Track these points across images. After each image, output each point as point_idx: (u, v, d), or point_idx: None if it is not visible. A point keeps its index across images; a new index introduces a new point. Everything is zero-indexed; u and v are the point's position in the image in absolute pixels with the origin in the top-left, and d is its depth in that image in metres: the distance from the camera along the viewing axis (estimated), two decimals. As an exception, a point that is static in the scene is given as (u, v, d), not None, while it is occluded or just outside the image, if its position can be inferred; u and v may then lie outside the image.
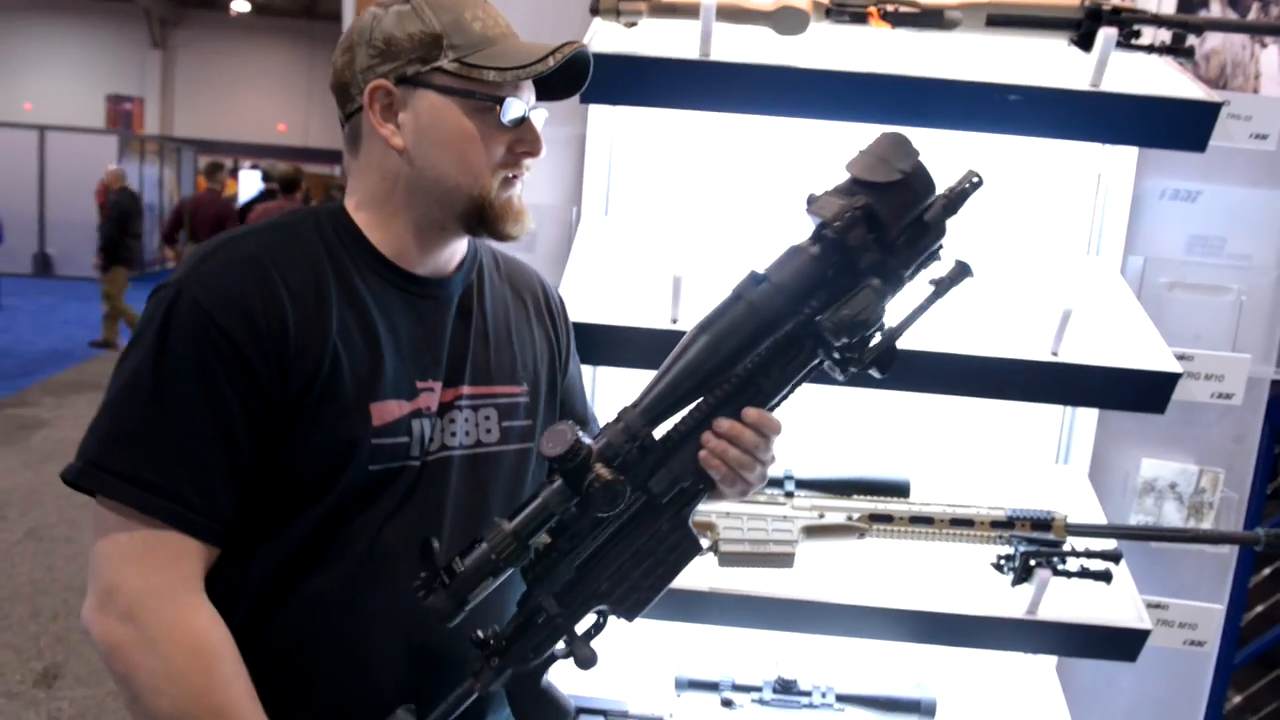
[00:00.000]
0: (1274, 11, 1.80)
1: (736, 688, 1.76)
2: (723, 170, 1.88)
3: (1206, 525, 1.88)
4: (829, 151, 1.81)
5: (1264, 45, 1.79)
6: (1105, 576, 1.59)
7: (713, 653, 1.82)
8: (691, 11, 1.54)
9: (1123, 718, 1.94)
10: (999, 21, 1.57)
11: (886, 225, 1.02)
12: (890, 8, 1.56)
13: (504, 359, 1.22)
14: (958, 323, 1.58)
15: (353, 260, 1.12)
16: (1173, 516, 1.89)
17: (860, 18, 1.57)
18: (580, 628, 1.08)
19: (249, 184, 14.41)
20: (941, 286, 1.06)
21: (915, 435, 1.91)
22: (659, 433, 1.08)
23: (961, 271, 1.06)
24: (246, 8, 18.51)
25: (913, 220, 1.04)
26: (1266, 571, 2.82)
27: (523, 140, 1.12)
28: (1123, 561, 1.62)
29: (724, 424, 1.05)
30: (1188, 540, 1.70)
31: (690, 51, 1.55)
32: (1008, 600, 1.60)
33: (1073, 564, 1.59)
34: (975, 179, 1.06)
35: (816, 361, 1.07)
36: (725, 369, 1.05)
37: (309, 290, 1.06)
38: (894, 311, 1.07)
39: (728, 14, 1.55)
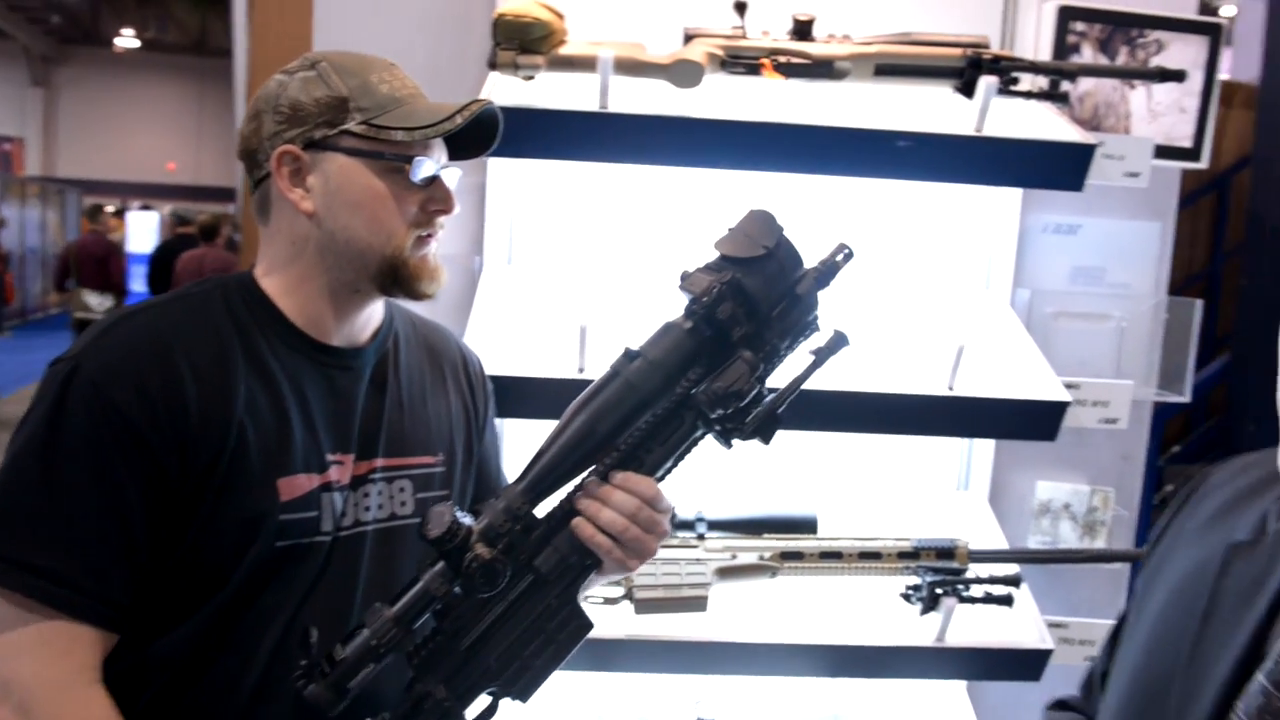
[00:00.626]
0: (1140, 55, 1.91)
1: (658, 732, 1.76)
2: (626, 218, 1.89)
3: (1100, 542, 1.96)
4: (731, 200, 1.85)
5: (1133, 87, 1.90)
6: (1007, 600, 1.64)
7: (633, 699, 1.82)
8: (589, 65, 1.56)
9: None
10: (886, 71, 1.63)
11: (756, 298, 1.05)
12: (783, 59, 1.61)
13: (419, 429, 1.20)
14: (860, 361, 1.62)
15: (262, 332, 1.10)
16: (1068, 535, 1.97)
17: (754, 69, 1.61)
18: (473, 710, 1.05)
19: (139, 226, 13.89)
20: (820, 356, 1.09)
21: (820, 471, 1.94)
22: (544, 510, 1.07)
23: (839, 341, 1.09)
24: (134, 44, 17.97)
25: (784, 293, 1.06)
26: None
27: (434, 199, 1.12)
28: (1024, 584, 1.68)
29: (593, 485, 1.05)
30: (1080, 560, 1.77)
31: (589, 104, 1.56)
32: (917, 629, 1.65)
33: (976, 590, 1.64)
34: (846, 251, 1.09)
35: (698, 434, 1.07)
36: (605, 445, 1.05)
37: (213, 366, 1.04)
38: (778, 382, 1.08)
39: (625, 67, 1.57)
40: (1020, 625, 1.68)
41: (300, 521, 1.06)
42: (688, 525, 1.70)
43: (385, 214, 1.09)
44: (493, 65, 1.57)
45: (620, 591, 1.62)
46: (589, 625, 1.07)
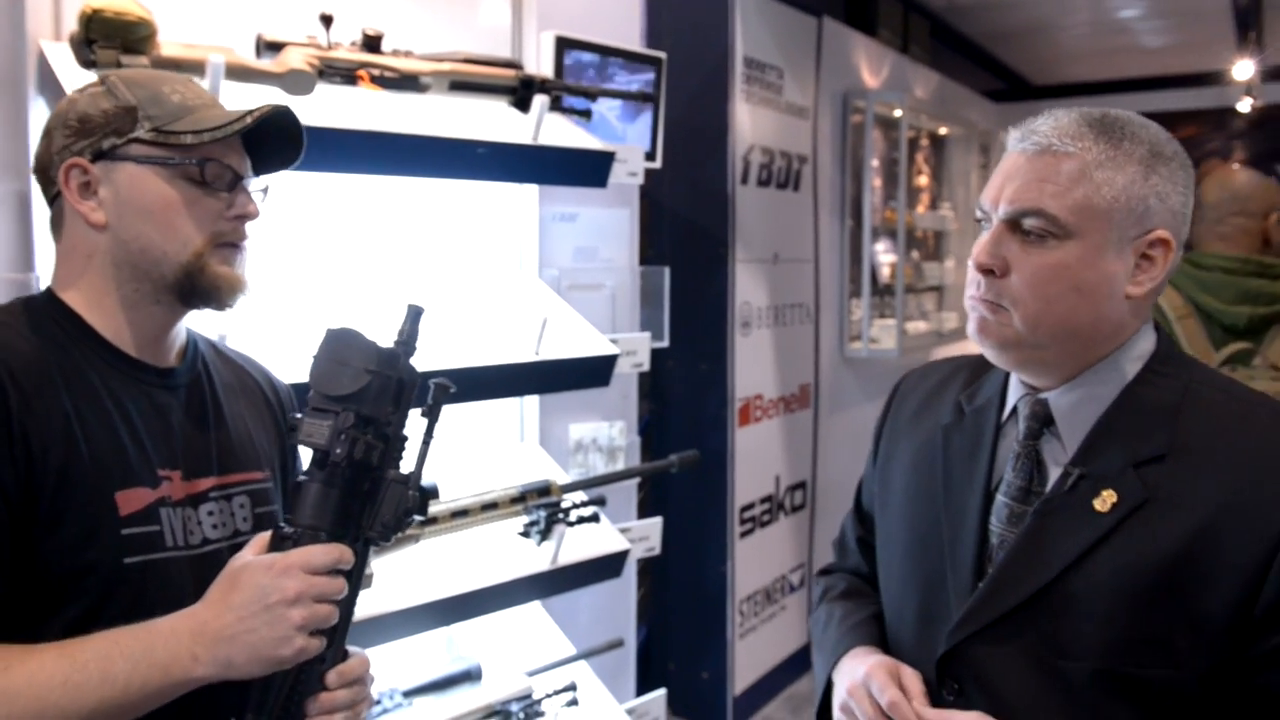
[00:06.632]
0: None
1: (313, 720, 1.81)
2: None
3: (620, 465, 2.47)
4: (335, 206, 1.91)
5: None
6: (595, 518, 2.04)
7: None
8: (197, 69, 1.53)
9: (589, 620, 2.46)
10: (459, 86, 1.87)
11: (378, 419, 1.04)
12: (375, 72, 1.75)
13: (246, 446, 1.19)
14: (442, 340, 1.85)
15: (75, 346, 1.06)
16: (598, 463, 2.44)
17: (351, 79, 1.73)
18: None
19: None
20: (433, 413, 1.09)
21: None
22: None
23: (442, 391, 1.09)
24: None
25: (394, 392, 1.05)
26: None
27: (235, 204, 1.10)
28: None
29: (311, 703, 1.03)
30: (637, 475, 2.25)
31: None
32: (537, 557, 1.96)
33: (574, 515, 2.01)
34: (417, 310, 1.09)
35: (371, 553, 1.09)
36: None
37: (31, 378, 1.00)
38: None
39: (236, 73, 1.57)
40: (604, 537, 2.10)
41: (144, 537, 1.03)
42: (324, 515, 1.77)
43: (180, 221, 1.08)
44: (90, 64, 1.45)
45: (289, 589, 1.65)
46: None
